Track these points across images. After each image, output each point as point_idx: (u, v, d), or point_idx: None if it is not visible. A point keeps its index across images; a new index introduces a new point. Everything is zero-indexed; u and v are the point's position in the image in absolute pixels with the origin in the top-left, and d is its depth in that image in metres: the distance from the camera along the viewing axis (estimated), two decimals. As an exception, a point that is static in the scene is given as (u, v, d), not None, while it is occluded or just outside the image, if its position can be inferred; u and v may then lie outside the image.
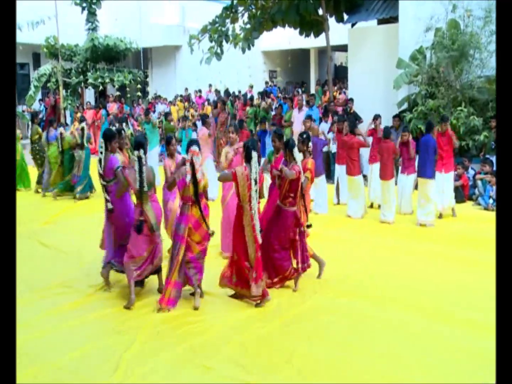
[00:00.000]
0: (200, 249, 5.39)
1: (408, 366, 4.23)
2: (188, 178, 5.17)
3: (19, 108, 21.32)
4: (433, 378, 4.07)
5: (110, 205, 5.76)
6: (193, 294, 5.44)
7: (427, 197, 8.37)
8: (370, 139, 9.61)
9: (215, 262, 6.38)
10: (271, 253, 5.78)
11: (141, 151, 5.38)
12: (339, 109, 13.34)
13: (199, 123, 12.87)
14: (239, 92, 19.76)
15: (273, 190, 6.15)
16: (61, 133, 10.84)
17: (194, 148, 5.24)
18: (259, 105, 14.93)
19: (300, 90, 19.13)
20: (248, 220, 5.37)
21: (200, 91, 20.58)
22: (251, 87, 20.69)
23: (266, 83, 21.22)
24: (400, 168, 9.19)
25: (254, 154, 5.35)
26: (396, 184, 9.20)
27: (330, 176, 11.68)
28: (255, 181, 5.33)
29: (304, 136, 6.33)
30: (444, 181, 8.79)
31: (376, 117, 9.77)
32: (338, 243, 7.65)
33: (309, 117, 10.11)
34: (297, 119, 12.43)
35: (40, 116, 21.38)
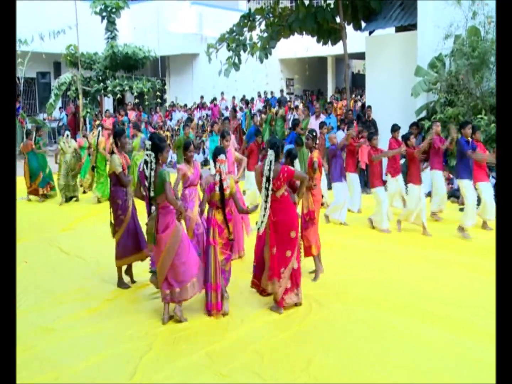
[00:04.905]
0: (224, 255, 5.40)
1: (426, 377, 4.16)
2: (217, 188, 5.26)
3: (40, 116, 21.71)
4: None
5: None
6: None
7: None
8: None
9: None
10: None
11: None
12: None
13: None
14: (251, 99, 19.87)
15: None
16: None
17: (221, 156, 5.32)
18: (276, 112, 14.92)
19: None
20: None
21: (215, 99, 20.69)
22: (260, 96, 20.71)
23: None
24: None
25: (271, 152, 5.30)
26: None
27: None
28: (267, 178, 5.30)
29: (314, 134, 7.14)
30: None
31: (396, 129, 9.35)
32: (355, 252, 7.58)
33: (323, 124, 10.74)
34: (314, 127, 12.44)
35: (60, 124, 21.77)
